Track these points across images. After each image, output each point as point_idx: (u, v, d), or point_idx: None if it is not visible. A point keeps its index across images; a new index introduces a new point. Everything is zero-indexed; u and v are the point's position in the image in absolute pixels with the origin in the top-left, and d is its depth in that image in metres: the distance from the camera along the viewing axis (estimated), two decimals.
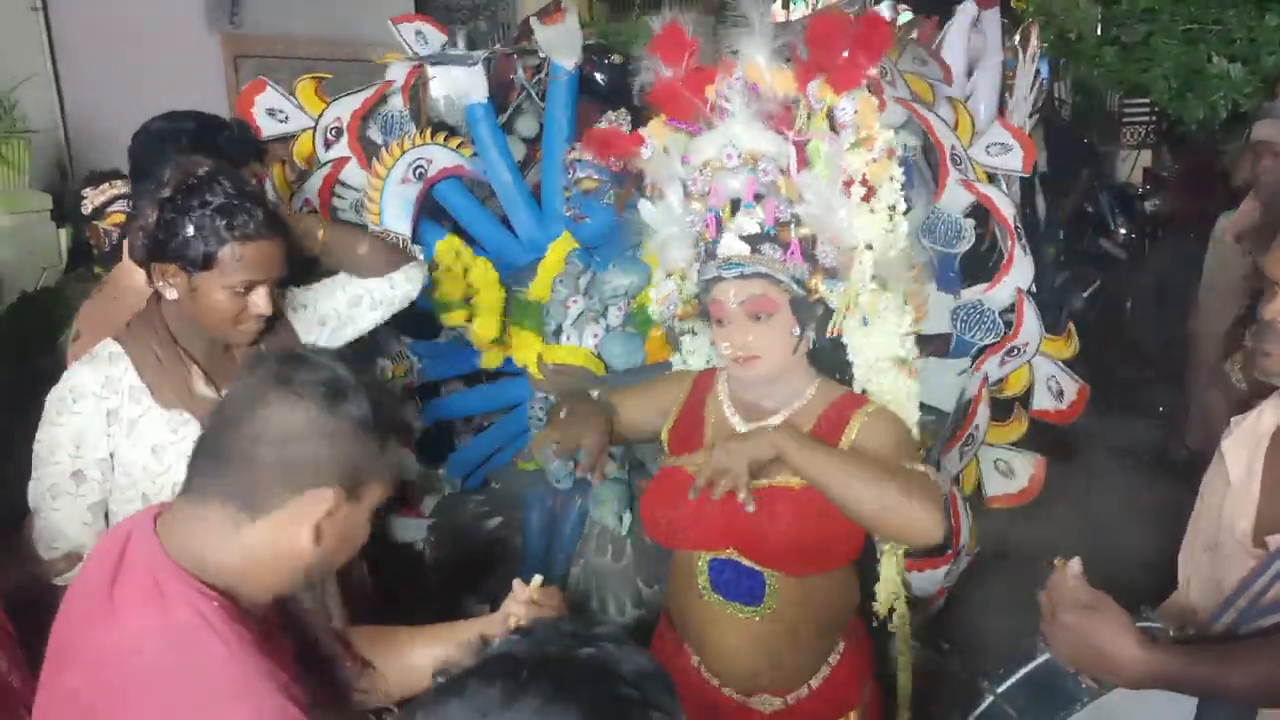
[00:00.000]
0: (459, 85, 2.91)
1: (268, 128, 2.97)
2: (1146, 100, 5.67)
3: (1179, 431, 3.88)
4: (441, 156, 2.95)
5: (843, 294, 1.92)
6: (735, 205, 1.89)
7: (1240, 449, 1.68)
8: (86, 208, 3.05)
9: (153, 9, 5.78)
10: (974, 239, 2.80)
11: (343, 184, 2.97)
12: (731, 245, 1.86)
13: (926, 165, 2.91)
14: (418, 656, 1.58)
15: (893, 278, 1.98)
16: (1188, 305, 4.00)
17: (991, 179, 2.87)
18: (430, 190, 2.96)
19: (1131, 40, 4.70)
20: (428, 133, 2.97)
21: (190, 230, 1.83)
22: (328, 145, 2.96)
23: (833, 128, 1.92)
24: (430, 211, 3.03)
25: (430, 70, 2.96)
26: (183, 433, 1.93)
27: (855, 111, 1.91)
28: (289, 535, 1.27)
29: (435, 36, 3.13)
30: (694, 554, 1.94)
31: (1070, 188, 5.94)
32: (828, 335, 1.95)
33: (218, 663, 1.20)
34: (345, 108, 2.97)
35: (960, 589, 3.09)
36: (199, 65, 6.02)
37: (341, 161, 2.94)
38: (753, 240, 1.86)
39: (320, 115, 2.97)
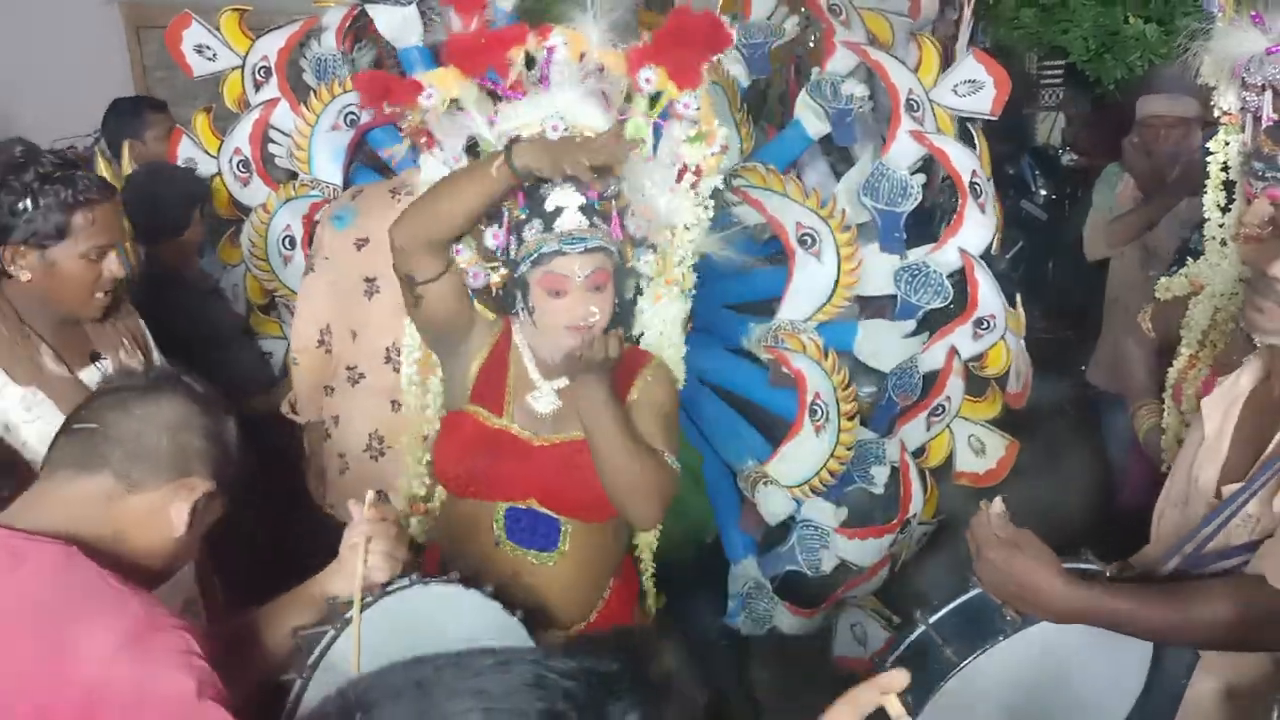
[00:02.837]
0: (393, 28, 2.86)
1: (198, 66, 2.94)
2: (1064, 61, 5.86)
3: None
4: None
5: (657, 266, 2.10)
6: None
7: (1217, 406, 1.77)
8: None
9: None
10: (920, 197, 2.72)
11: (275, 129, 2.93)
12: (573, 219, 1.88)
13: (873, 116, 2.91)
14: (279, 630, 1.62)
15: (706, 249, 2.15)
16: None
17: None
18: (365, 136, 2.94)
19: (1050, 1, 4.85)
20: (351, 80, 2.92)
21: (34, 205, 1.89)
22: (257, 86, 2.92)
23: (661, 114, 2.02)
24: (369, 159, 3.02)
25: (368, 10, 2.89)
26: (36, 411, 1.96)
27: (697, 107, 2.02)
28: (161, 514, 1.42)
29: None
30: (489, 505, 2.01)
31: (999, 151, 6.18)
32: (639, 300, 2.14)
33: (88, 584, 1.32)
34: (271, 45, 2.93)
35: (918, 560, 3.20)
36: (98, 37, 5.86)
37: (272, 104, 2.90)
38: (586, 213, 1.90)
39: (247, 53, 2.93)
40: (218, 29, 2.99)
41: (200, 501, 1.44)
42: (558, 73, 1.95)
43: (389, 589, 1.63)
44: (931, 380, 2.78)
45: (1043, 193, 5.75)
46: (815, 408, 2.68)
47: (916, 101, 2.67)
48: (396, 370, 2.47)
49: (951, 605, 1.66)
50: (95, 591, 1.32)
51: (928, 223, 2.97)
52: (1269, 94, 2.19)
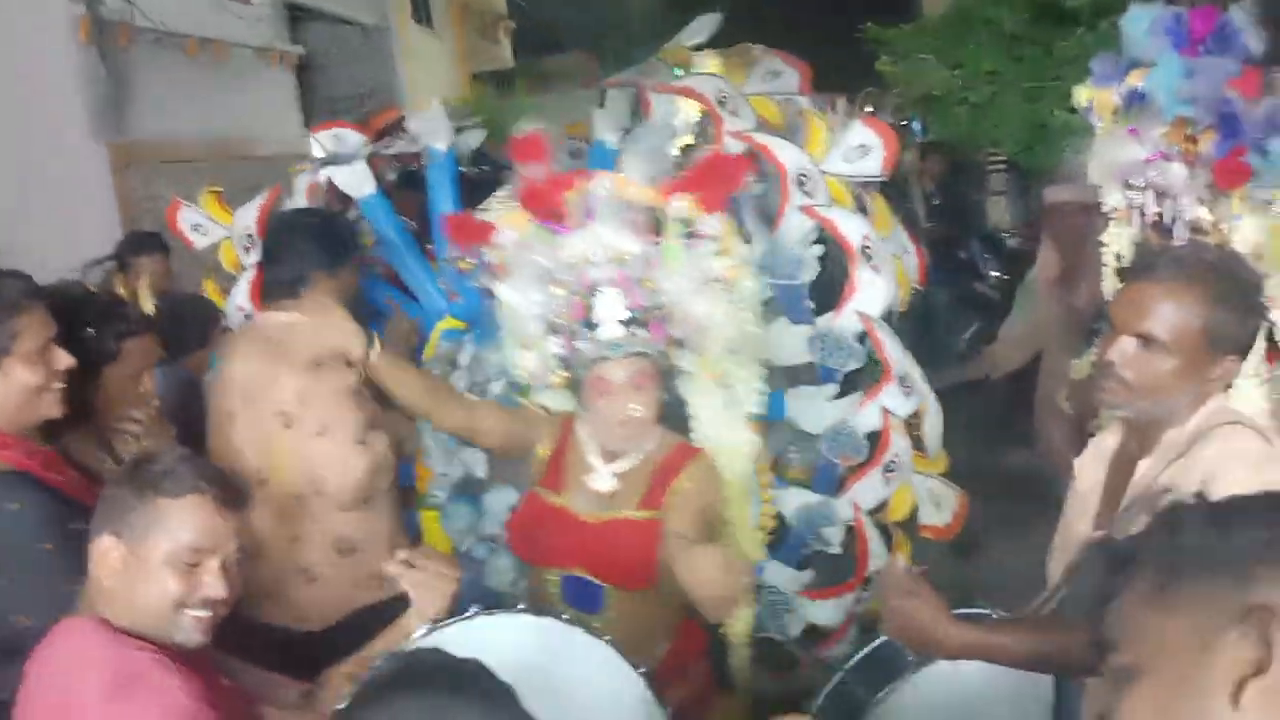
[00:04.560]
0: (348, 182, 3.22)
1: (198, 241, 3.33)
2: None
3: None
4: None
5: (699, 364, 2.47)
6: (594, 292, 2.38)
7: (1088, 464, 2.06)
8: None
9: (37, 122, 6.01)
10: (819, 267, 2.87)
11: None
12: (612, 329, 2.34)
13: (767, 197, 3.03)
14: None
15: (742, 353, 2.53)
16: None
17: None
18: None
19: (979, 100, 5.29)
20: None
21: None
22: (246, 250, 3.23)
23: (693, 235, 2.46)
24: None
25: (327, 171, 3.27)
26: None
27: (718, 228, 2.48)
28: (98, 569, 1.70)
29: (353, 139, 3.35)
30: (549, 570, 2.41)
31: (950, 237, 6.58)
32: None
33: (92, 646, 1.65)
34: (249, 216, 3.24)
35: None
36: (86, 174, 6.27)
37: (261, 264, 3.19)
38: (626, 324, 2.35)
39: (233, 225, 3.29)
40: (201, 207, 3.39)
41: (110, 559, 1.70)
42: (600, 208, 2.41)
43: (439, 624, 1.95)
44: (876, 439, 2.93)
45: (994, 274, 6.13)
46: None
47: (806, 176, 2.83)
48: None
49: (864, 652, 2.05)
50: (95, 652, 1.64)
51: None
52: (1150, 193, 2.51)
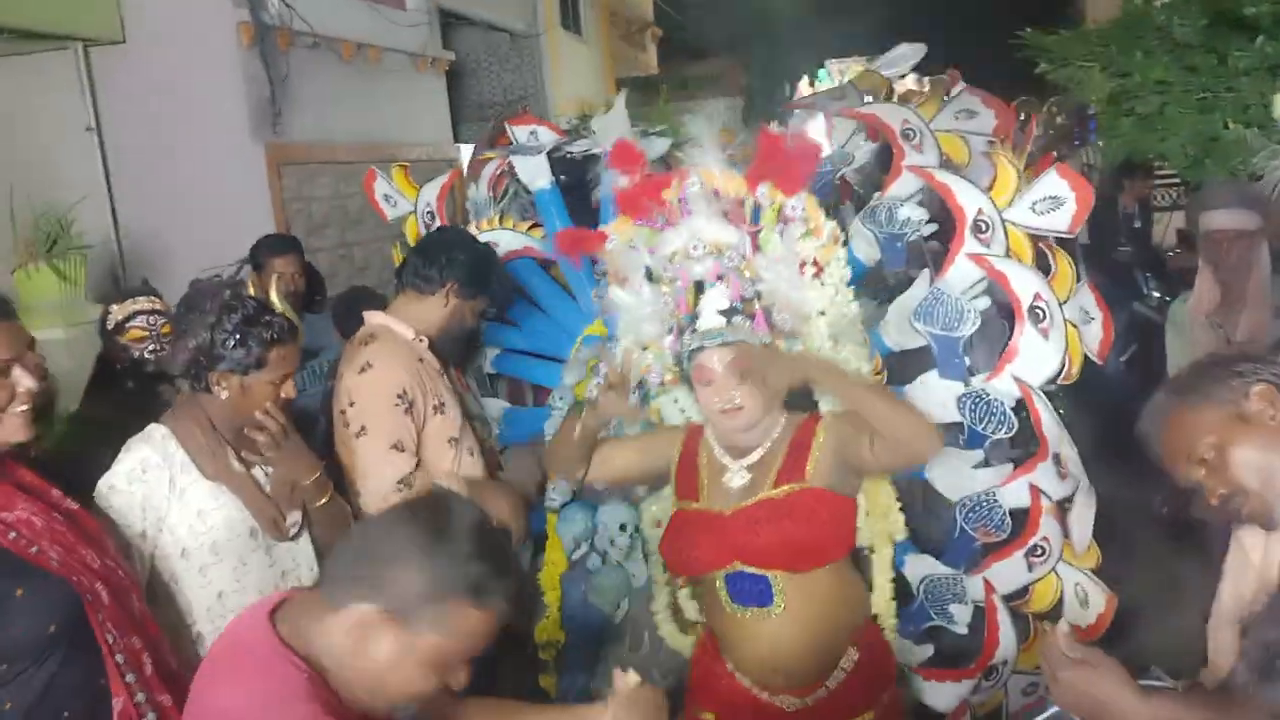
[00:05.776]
0: (528, 173, 3.34)
1: (389, 211, 3.56)
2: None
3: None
4: (509, 239, 3.38)
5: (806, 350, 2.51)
6: (699, 286, 2.45)
7: (1258, 535, 1.89)
8: (110, 322, 3.15)
9: (200, 124, 6.37)
10: (979, 321, 2.71)
11: None
12: (711, 319, 2.40)
13: (938, 239, 2.92)
14: None
15: (843, 336, 2.58)
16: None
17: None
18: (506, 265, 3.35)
19: (1146, 111, 5.04)
20: (495, 219, 3.45)
21: (241, 343, 2.34)
22: (427, 227, 3.48)
23: (781, 219, 2.52)
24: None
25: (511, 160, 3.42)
26: (220, 500, 2.40)
27: (803, 209, 2.52)
28: (348, 636, 1.48)
29: (548, 135, 3.49)
30: (713, 575, 2.41)
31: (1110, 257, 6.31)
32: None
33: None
34: (431, 193, 3.51)
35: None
36: (244, 174, 6.61)
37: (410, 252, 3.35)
38: (726, 314, 2.40)
39: (416, 200, 3.52)
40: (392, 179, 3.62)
41: (371, 630, 1.47)
42: (693, 203, 2.49)
43: None
44: (1022, 518, 2.74)
45: (1155, 294, 5.85)
46: None
47: (986, 222, 2.68)
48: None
49: None
50: None
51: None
52: None
